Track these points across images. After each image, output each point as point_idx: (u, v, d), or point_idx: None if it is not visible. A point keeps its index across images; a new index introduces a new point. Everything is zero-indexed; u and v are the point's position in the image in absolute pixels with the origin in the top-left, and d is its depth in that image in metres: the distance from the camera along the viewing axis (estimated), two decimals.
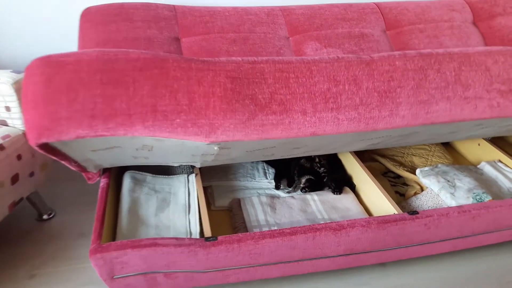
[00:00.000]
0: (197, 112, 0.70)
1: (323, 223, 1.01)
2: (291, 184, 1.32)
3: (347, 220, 1.03)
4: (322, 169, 1.35)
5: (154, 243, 0.91)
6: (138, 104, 0.68)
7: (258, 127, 0.73)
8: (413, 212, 1.08)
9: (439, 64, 0.83)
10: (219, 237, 0.95)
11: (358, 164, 1.31)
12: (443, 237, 1.12)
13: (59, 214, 1.35)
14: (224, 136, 0.72)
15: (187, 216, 1.08)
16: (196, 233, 1.03)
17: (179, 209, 1.10)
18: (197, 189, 1.15)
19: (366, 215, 1.22)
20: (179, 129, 0.69)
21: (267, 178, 1.34)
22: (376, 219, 1.04)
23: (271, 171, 1.38)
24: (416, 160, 1.45)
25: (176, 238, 0.93)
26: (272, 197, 1.26)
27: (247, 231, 1.13)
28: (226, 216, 1.22)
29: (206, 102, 0.70)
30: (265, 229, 1.14)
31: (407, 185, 1.38)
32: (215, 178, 1.30)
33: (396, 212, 1.12)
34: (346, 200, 1.27)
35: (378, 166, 1.45)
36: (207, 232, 0.99)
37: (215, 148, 0.79)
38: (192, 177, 1.20)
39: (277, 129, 0.74)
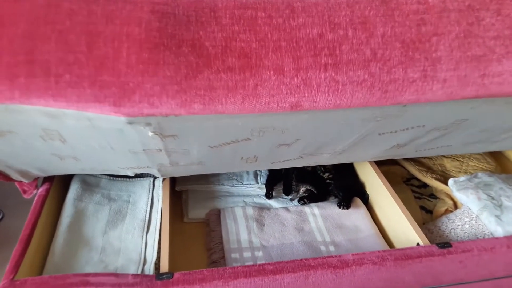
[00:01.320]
0: (100, 64, 0.43)
1: (319, 259, 0.74)
2: (288, 192, 1.05)
3: (352, 255, 0.76)
4: (326, 174, 1.07)
5: (84, 281, 0.67)
6: (5, 50, 0.42)
7: (202, 91, 0.44)
8: (445, 245, 0.80)
9: (499, 3, 0.52)
10: (176, 274, 0.70)
11: (372, 169, 1.03)
12: (483, 277, 0.84)
13: (8, 216, 1.13)
14: (147, 106, 0.44)
15: (144, 236, 0.84)
16: (151, 262, 0.79)
17: (136, 226, 0.86)
18: (162, 198, 0.90)
19: (381, 239, 0.94)
20: (69, 90, 0.42)
21: (258, 183, 1.08)
22: (393, 254, 0.77)
23: (263, 174, 1.11)
24: (448, 163, 1.15)
25: (116, 275, 0.69)
26: (261, 208, 1.00)
27: (224, 255, 0.88)
28: (205, 230, 0.97)
29: (115, 48, 0.43)
30: (247, 254, 0.88)
31: (435, 197, 1.09)
32: (192, 180, 1.05)
33: (421, 243, 0.84)
34: (355, 216, 0.99)
35: (399, 171, 1.16)
36: (164, 265, 0.75)
37: (150, 134, 0.52)
38: (159, 181, 0.94)
39: (235, 97, 0.46)
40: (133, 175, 0.81)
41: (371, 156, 0.87)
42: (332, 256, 0.75)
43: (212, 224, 0.96)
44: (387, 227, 0.98)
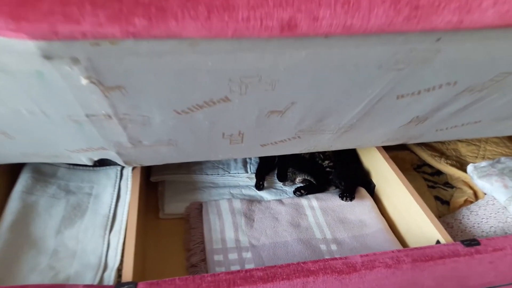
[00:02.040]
0: None
1: (320, 262, 0.60)
2: (283, 178, 0.90)
3: (361, 256, 0.62)
4: (326, 161, 0.93)
5: None
6: None
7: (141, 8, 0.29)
8: (471, 242, 0.66)
9: None
10: (140, 285, 0.55)
11: (379, 154, 0.88)
12: None
13: None
14: (61, 19, 0.28)
15: (107, 236, 0.69)
16: (112, 268, 0.64)
17: (98, 223, 0.71)
18: (131, 190, 0.75)
19: (391, 235, 0.80)
20: None
21: (247, 172, 0.93)
22: (410, 254, 0.63)
23: (254, 162, 0.96)
24: (462, 148, 1.01)
25: (62, 286, 0.54)
26: (251, 201, 0.85)
27: (205, 257, 0.73)
28: (184, 227, 0.82)
29: None
30: (232, 256, 0.74)
31: (451, 186, 0.95)
32: (171, 169, 0.90)
33: (441, 240, 0.70)
34: (360, 209, 0.85)
35: (408, 157, 1.02)
36: (128, 272, 0.60)
37: (83, 81, 0.36)
38: (128, 170, 0.79)
39: (197, 9, 0.30)
40: (92, 164, 0.66)
41: (381, 137, 0.72)
42: (336, 259, 0.61)
43: (193, 220, 0.81)
44: (397, 221, 0.83)
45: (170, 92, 0.42)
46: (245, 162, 0.96)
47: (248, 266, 0.72)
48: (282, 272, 0.58)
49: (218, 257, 0.73)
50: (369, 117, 0.57)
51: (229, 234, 0.78)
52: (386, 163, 0.86)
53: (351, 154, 0.96)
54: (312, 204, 0.86)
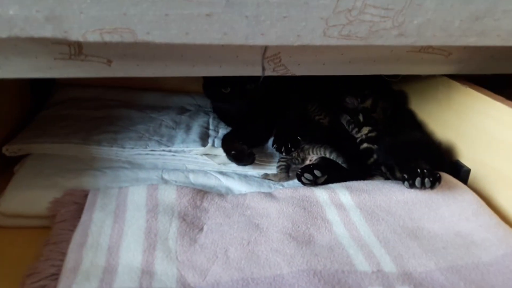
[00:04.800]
0: None
1: None
2: (284, 146, 0.45)
3: None
4: (365, 129, 0.47)
5: None
6: None
7: None
8: None
9: None
10: None
11: (475, 94, 0.43)
12: None
13: None
14: None
15: None
16: None
17: None
18: None
19: None
20: None
21: (204, 146, 0.47)
22: None
23: (221, 133, 0.51)
24: None
25: None
26: (202, 192, 0.38)
27: None
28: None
29: None
30: None
31: None
32: (47, 134, 0.44)
33: None
34: (453, 209, 0.37)
35: None
36: None
37: None
38: None
39: None
40: None
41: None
42: None
43: (60, 228, 0.34)
44: None
45: None
46: (205, 133, 0.50)
47: None
48: None
49: None
50: None
51: (130, 255, 0.30)
52: (495, 115, 0.40)
53: (406, 116, 0.51)
54: (340, 198, 0.38)
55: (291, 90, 0.51)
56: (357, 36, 0.26)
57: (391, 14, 0.26)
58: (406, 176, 0.38)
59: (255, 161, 0.46)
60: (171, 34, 0.25)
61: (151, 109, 0.56)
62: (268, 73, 0.39)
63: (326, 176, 0.42)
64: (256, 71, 0.38)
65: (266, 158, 0.48)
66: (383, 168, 0.46)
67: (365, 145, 0.48)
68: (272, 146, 0.47)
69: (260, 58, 0.36)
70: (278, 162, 0.47)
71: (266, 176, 0.44)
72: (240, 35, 0.25)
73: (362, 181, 0.42)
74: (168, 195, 0.37)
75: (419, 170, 0.37)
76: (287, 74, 0.39)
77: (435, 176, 0.37)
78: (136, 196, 0.37)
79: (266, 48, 0.33)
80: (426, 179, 0.37)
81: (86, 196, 0.37)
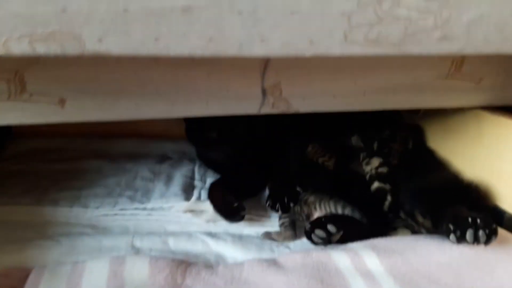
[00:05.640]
0: None
1: None
2: (286, 206, 0.36)
3: None
4: (376, 163, 0.40)
5: None
6: None
7: None
8: None
9: None
10: None
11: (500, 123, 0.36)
12: None
13: None
14: None
15: None
16: None
17: None
18: None
19: None
20: None
21: (187, 200, 0.38)
22: None
23: (209, 182, 0.42)
24: None
25: None
26: (184, 263, 0.29)
27: None
28: None
29: None
30: None
31: None
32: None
33: None
34: (510, 265, 0.28)
35: None
36: None
37: None
38: None
39: None
40: None
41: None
42: None
43: None
44: None
45: None
46: (189, 184, 0.42)
47: None
48: None
49: None
50: None
51: None
52: None
53: (427, 154, 0.43)
54: (366, 263, 0.29)
55: (288, 127, 0.44)
56: (388, 42, 0.20)
57: (434, 6, 0.19)
58: (452, 228, 0.29)
59: (252, 217, 0.37)
60: (134, 40, 0.17)
61: (126, 158, 0.48)
62: (267, 110, 0.31)
63: (341, 232, 0.33)
64: (252, 108, 0.31)
65: (265, 212, 0.39)
66: (402, 215, 0.37)
67: (376, 184, 0.40)
68: (266, 203, 0.38)
69: (257, 89, 0.29)
70: (280, 217, 0.38)
71: (267, 236, 0.35)
72: (232, 41, 0.18)
73: (388, 238, 0.33)
74: (138, 272, 0.27)
75: (470, 219, 0.29)
76: (289, 112, 0.31)
77: (491, 227, 0.29)
78: (95, 275, 0.27)
79: (266, 66, 0.26)
80: (481, 231, 0.28)
81: (27, 277, 0.27)
